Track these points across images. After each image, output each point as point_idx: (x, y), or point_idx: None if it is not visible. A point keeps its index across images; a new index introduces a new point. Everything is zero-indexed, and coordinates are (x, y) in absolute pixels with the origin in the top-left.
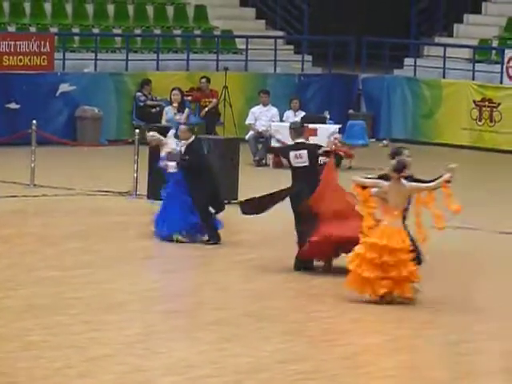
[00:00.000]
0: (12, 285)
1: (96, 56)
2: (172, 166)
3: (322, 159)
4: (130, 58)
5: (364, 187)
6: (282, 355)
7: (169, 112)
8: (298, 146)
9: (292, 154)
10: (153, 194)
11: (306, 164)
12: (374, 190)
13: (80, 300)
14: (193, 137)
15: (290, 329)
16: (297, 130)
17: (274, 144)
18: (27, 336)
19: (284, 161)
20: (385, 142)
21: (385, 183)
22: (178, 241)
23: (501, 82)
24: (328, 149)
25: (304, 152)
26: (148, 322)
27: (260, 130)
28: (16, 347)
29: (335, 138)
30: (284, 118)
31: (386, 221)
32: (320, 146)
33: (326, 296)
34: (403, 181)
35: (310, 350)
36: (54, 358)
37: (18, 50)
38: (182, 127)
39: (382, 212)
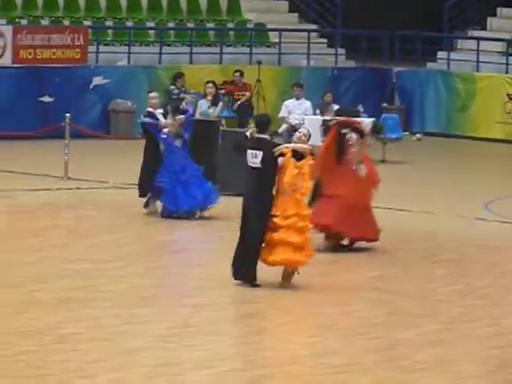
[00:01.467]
0: (44, 278)
1: (129, 49)
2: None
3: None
4: (163, 51)
5: None
6: (312, 349)
7: (203, 105)
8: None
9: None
10: None
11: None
12: None
13: (112, 293)
14: None
15: (320, 322)
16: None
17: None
18: (60, 329)
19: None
20: (418, 135)
21: None
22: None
23: None
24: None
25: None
26: (179, 316)
27: (293, 124)
28: (49, 340)
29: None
30: (317, 112)
31: None
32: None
33: (357, 290)
34: None
35: (340, 344)
36: (87, 351)
37: (52, 43)
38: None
39: None
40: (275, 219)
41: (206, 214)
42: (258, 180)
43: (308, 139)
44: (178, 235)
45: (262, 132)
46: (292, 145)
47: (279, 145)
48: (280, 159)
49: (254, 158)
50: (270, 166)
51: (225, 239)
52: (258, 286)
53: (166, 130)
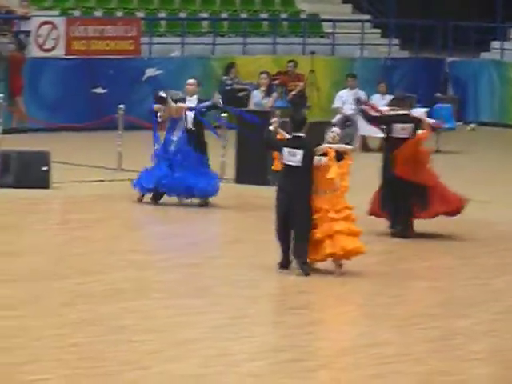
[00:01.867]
0: (98, 269)
1: (183, 40)
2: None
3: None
4: (216, 41)
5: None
6: (366, 339)
7: (256, 96)
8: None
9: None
10: (240, 178)
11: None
12: None
13: (166, 284)
14: None
15: (375, 312)
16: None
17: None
18: (114, 320)
19: (371, 144)
20: (472, 125)
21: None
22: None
23: None
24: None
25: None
26: (234, 307)
27: (347, 114)
28: (103, 331)
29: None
30: (371, 102)
31: None
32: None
33: (412, 279)
34: None
35: (395, 334)
36: (142, 343)
37: (105, 34)
38: None
39: None
40: (330, 214)
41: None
42: (299, 178)
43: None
44: (232, 226)
45: (298, 130)
46: (334, 145)
47: (319, 144)
48: (319, 158)
49: (293, 156)
50: (310, 164)
51: None
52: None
53: (158, 114)
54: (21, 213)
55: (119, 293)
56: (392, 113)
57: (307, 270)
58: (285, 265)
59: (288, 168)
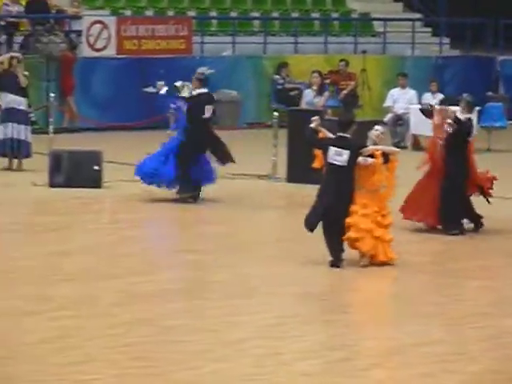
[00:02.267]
0: (149, 269)
1: (234, 39)
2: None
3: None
4: (268, 41)
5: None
6: (418, 337)
7: (308, 95)
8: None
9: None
10: (292, 177)
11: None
12: None
13: (217, 284)
14: None
15: (426, 311)
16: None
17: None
18: (165, 320)
19: (422, 143)
20: None
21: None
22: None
23: None
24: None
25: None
26: (284, 306)
27: (399, 113)
28: (154, 331)
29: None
30: (422, 101)
31: None
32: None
33: (463, 278)
34: None
35: (447, 333)
36: (192, 343)
37: (156, 34)
38: None
39: None
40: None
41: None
42: (343, 177)
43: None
44: (283, 225)
45: (345, 131)
46: (381, 147)
47: (365, 145)
48: (366, 159)
49: (339, 155)
50: (354, 164)
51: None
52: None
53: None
54: (72, 212)
55: (170, 293)
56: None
57: (340, 265)
58: (335, 263)
59: (332, 167)
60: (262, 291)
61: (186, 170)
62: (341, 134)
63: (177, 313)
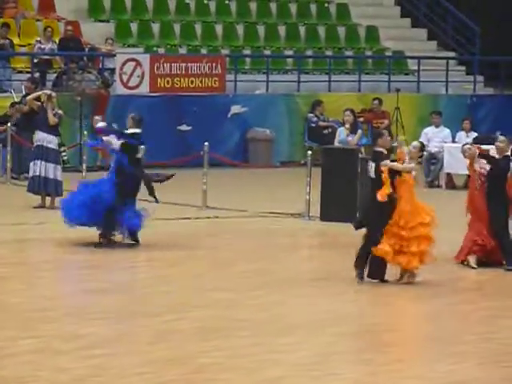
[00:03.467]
0: (184, 307)
1: (267, 77)
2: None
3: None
4: (301, 79)
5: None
6: (454, 376)
7: (342, 133)
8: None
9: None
10: (326, 216)
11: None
12: None
13: (252, 322)
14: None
15: (461, 350)
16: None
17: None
18: (200, 358)
19: (456, 181)
20: None
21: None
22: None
23: None
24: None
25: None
26: (320, 344)
27: (432, 152)
28: (189, 370)
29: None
30: (456, 139)
31: None
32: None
33: (497, 317)
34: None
35: (481, 372)
36: (227, 381)
37: (190, 71)
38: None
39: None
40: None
41: (343, 242)
42: (373, 189)
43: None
44: (318, 264)
45: (375, 143)
46: (393, 164)
47: (387, 158)
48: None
49: (371, 168)
50: (380, 176)
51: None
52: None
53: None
54: (107, 250)
55: (205, 331)
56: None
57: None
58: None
59: (369, 180)
60: (298, 329)
61: (115, 211)
62: (374, 149)
63: (210, 351)
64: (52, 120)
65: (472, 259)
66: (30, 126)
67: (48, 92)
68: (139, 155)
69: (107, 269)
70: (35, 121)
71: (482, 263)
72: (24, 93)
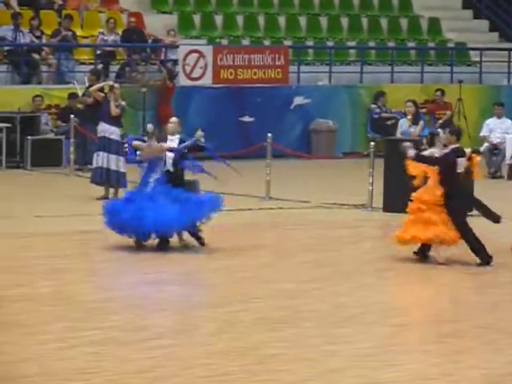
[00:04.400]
0: (247, 298)
1: (330, 69)
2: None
3: None
4: (364, 70)
5: None
6: None
7: (403, 124)
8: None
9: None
10: (388, 207)
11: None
12: None
13: (314, 313)
14: None
15: None
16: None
17: None
18: (262, 349)
19: None
20: None
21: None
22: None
23: None
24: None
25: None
26: (381, 335)
27: (495, 142)
28: (251, 361)
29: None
30: None
31: None
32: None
33: None
34: None
35: None
36: (290, 372)
37: (253, 63)
38: None
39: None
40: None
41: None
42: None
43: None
44: (381, 255)
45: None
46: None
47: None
48: None
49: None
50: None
51: (431, 259)
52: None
53: (137, 153)
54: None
55: (269, 321)
56: None
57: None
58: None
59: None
60: (360, 320)
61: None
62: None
63: (274, 342)
64: (114, 111)
65: None
66: (94, 117)
67: (111, 83)
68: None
69: (169, 260)
70: (98, 112)
71: None
72: (87, 84)
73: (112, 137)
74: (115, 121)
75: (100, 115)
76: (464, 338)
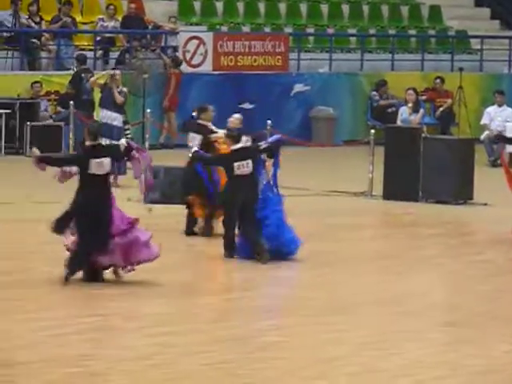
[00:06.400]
0: (248, 286)
1: (330, 56)
2: None
3: None
4: (364, 57)
5: None
6: None
7: (404, 112)
8: None
9: None
10: (389, 194)
11: None
12: None
13: (314, 301)
14: None
15: None
16: None
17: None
18: (262, 337)
19: None
20: None
21: None
22: None
23: None
24: None
25: None
26: (381, 323)
27: (498, 130)
28: (252, 348)
29: None
30: None
31: None
32: None
33: None
34: None
35: None
36: (289, 359)
37: (253, 50)
38: None
39: None
40: None
41: (406, 221)
42: None
43: None
44: (381, 243)
45: None
46: None
47: None
48: None
49: None
50: None
51: (431, 247)
52: None
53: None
54: (168, 229)
55: (266, 310)
56: None
57: None
58: None
59: None
60: (359, 308)
61: None
62: None
63: (273, 330)
64: (119, 99)
65: None
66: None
67: (111, 72)
68: None
69: (168, 247)
70: (100, 99)
71: None
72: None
73: (114, 123)
74: (118, 108)
75: (101, 102)
76: (464, 326)
